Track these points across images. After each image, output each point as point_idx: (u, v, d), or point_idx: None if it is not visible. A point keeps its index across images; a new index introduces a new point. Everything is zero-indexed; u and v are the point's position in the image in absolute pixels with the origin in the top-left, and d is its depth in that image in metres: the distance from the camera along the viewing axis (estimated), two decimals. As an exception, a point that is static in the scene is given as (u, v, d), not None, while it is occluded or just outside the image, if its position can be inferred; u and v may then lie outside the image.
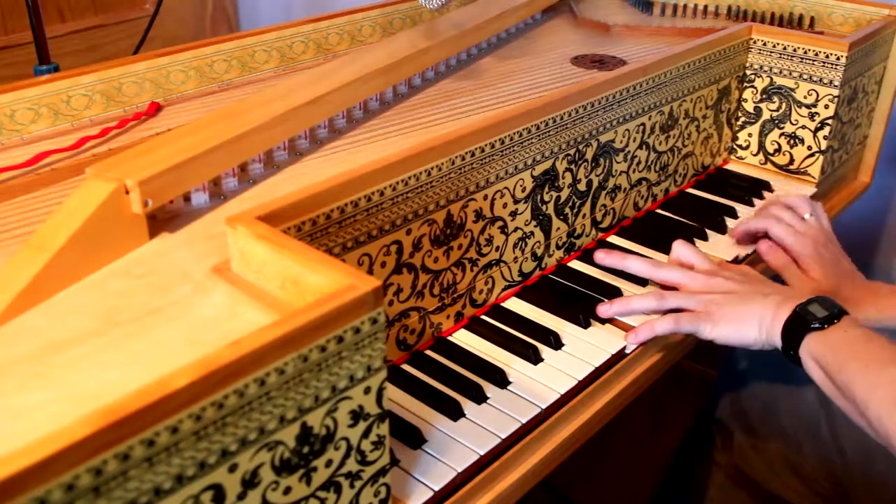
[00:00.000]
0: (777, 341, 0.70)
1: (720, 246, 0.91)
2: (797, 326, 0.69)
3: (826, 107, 1.02)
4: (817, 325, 0.67)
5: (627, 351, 0.74)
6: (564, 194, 0.83)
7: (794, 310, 0.69)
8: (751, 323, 0.71)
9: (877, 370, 0.62)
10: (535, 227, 0.80)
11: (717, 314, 0.73)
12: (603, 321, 0.76)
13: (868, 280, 0.85)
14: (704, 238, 0.92)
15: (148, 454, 0.37)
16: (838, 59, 1.00)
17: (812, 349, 0.67)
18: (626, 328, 0.76)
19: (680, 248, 0.81)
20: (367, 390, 0.48)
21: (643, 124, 0.91)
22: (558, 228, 0.84)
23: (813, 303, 0.69)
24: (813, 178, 1.06)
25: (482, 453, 0.60)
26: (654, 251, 0.89)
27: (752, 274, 0.78)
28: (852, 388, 0.63)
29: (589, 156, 0.84)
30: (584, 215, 0.87)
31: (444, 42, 0.96)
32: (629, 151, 0.90)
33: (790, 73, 1.04)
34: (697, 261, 0.80)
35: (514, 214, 0.77)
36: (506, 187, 0.75)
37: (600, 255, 0.82)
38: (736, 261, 0.89)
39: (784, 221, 0.87)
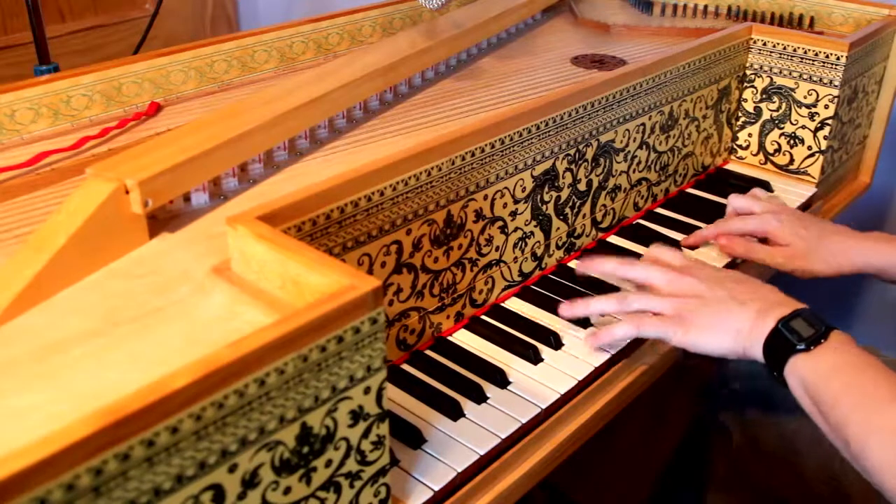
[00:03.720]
0: (757, 356, 0.65)
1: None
2: (780, 346, 0.63)
3: (826, 107, 1.02)
4: (802, 347, 0.62)
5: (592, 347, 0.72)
6: (564, 194, 0.83)
7: (776, 325, 0.64)
8: (725, 333, 0.67)
9: (874, 409, 0.57)
10: (535, 227, 0.80)
11: (689, 320, 0.68)
12: (603, 318, 0.76)
13: (860, 231, 0.82)
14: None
15: (148, 454, 0.37)
16: (838, 59, 1.00)
17: (799, 374, 0.62)
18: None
19: (654, 248, 0.78)
20: (367, 390, 0.48)
21: (643, 124, 0.91)
22: (558, 228, 0.84)
23: (796, 318, 0.64)
24: (813, 178, 1.06)
25: (482, 453, 0.60)
26: (654, 251, 0.89)
27: (729, 273, 0.73)
28: (846, 428, 0.58)
29: (589, 156, 0.84)
30: (584, 215, 0.87)
31: (444, 42, 0.96)
32: (629, 151, 0.90)
33: (790, 73, 1.04)
34: (671, 257, 0.75)
35: (514, 214, 0.77)
36: (506, 187, 0.75)
37: (579, 267, 0.78)
38: (734, 265, 0.89)
39: (734, 217, 0.88)
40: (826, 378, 0.61)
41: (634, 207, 0.95)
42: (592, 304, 0.73)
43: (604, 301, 0.73)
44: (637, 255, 0.88)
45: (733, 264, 0.89)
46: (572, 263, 0.82)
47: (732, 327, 0.67)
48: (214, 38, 0.96)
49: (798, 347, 0.62)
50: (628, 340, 0.73)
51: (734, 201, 0.91)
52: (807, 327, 0.63)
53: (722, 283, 0.70)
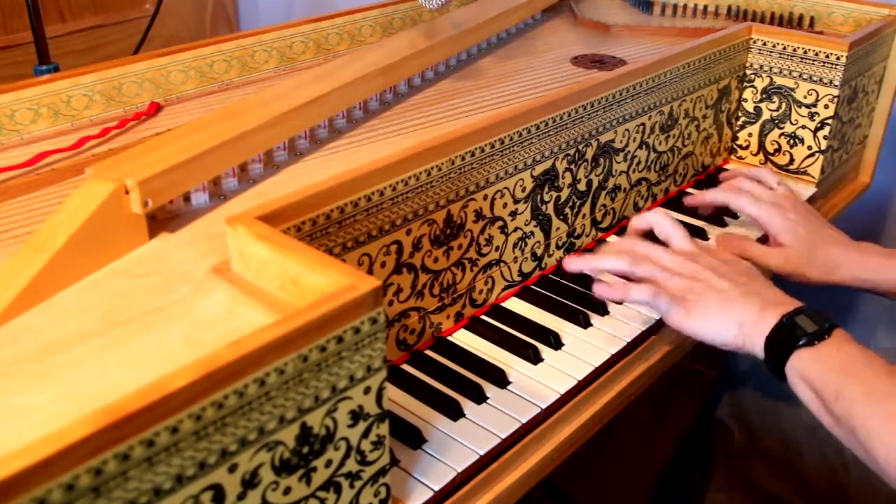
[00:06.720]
0: (758, 351, 0.65)
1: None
2: (783, 340, 0.63)
3: (826, 107, 1.02)
4: (805, 342, 0.62)
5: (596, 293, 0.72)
6: (564, 194, 0.83)
7: (779, 320, 0.64)
8: (729, 324, 0.66)
9: (880, 400, 0.57)
10: (535, 227, 0.80)
11: (693, 304, 0.68)
12: (603, 318, 0.76)
13: (856, 241, 0.81)
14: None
15: (148, 454, 0.37)
16: (838, 58, 1.00)
17: (802, 369, 0.62)
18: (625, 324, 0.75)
19: (657, 218, 0.75)
20: (367, 390, 0.48)
21: (643, 124, 0.91)
22: (558, 228, 0.84)
23: (800, 314, 0.64)
24: (813, 177, 1.06)
25: (482, 453, 0.60)
26: (654, 251, 0.89)
27: (737, 263, 0.72)
28: (852, 419, 0.58)
29: (589, 156, 0.84)
30: (583, 215, 0.87)
31: (444, 42, 0.96)
32: (629, 151, 0.90)
33: (790, 73, 1.04)
34: (676, 237, 0.73)
35: (514, 214, 0.77)
36: (506, 187, 0.75)
37: (570, 264, 0.75)
38: None
39: (746, 191, 0.85)
40: (830, 371, 0.61)
41: (634, 207, 0.95)
42: (604, 260, 0.73)
43: (614, 258, 0.72)
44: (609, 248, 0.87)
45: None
46: (568, 265, 0.77)
47: (735, 319, 0.66)
48: (214, 38, 0.96)
49: (801, 342, 0.62)
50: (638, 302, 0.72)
51: (758, 172, 0.89)
52: (810, 323, 0.63)
53: (727, 275, 0.70)
